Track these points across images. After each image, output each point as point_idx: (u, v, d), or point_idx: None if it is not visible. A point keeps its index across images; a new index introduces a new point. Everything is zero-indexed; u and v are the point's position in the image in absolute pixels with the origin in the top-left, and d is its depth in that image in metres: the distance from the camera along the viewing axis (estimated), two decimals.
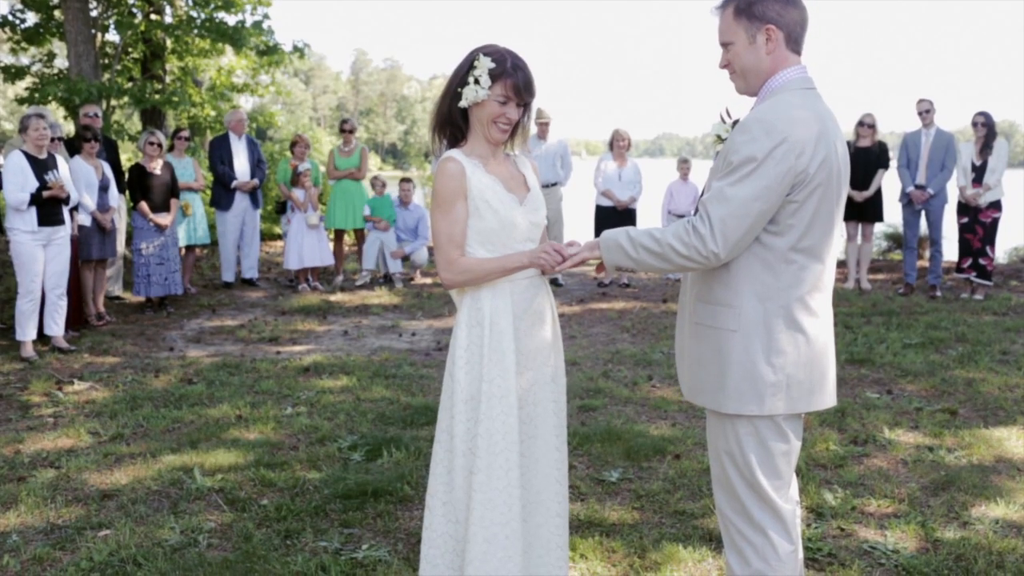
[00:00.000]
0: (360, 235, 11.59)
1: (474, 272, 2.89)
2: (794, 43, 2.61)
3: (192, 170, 10.43)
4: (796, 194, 2.48)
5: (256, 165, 10.92)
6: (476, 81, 2.86)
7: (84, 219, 8.52)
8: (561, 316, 9.13)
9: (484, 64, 2.87)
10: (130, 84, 13.88)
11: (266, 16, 14.52)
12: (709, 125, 2.85)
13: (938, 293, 10.28)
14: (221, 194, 10.70)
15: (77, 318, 8.37)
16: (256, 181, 10.82)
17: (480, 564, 2.86)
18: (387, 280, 11.39)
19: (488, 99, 2.87)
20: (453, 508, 2.96)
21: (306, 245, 10.77)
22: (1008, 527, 4.12)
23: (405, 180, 12.05)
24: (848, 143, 10.70)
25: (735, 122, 2.80)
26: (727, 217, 2.44)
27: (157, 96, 13.27)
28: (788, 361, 2.55)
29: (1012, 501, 4.39)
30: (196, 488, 4.59)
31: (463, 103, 2.90)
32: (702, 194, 2.70)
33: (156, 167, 9.27)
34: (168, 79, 15.15)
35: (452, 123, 2.97)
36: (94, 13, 13.20)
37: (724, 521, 2.71)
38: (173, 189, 9.45)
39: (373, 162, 65.56)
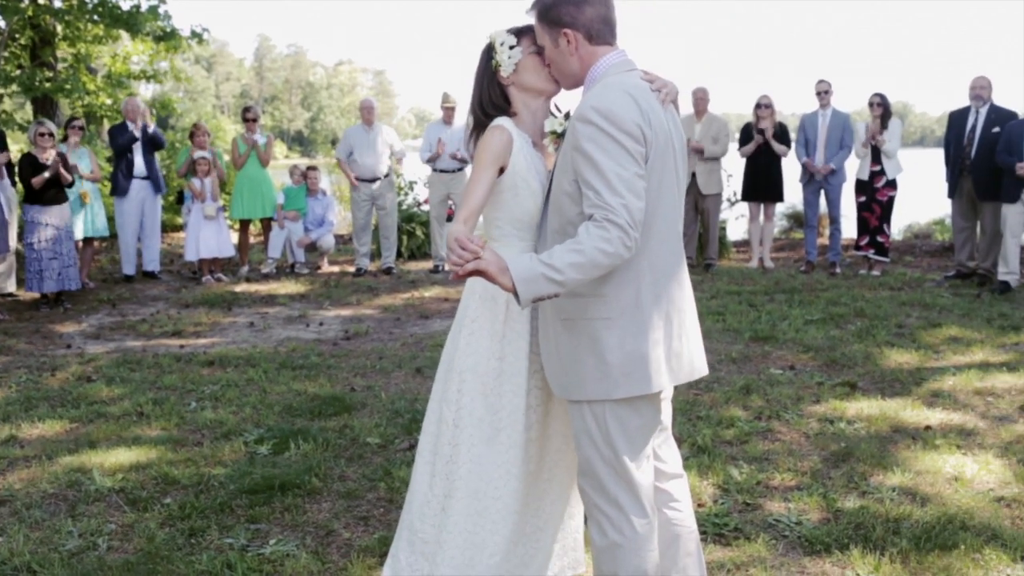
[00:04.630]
0: (266, 224, 11.38)
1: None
2: (598, 38, 2.63)
3: (88, 160, 10.09)
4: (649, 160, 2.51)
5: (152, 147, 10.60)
6: (509, 51, 2.88)
7: None
8: None
9: (500, 35, 2.91)
10: (19, 72, 13.34)
11: (162, 0, 14.12)
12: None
13: (838, 270, 10.58)
14: (119, 181, 10.38)
15: None
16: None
17: (470, 536, 2.91)
18: (293, 270, 11.21)
19: (524, 55, 2.88)
20: (432, 470, 3.00)
21: (203, 236, 10.53)
22: (904, 494, 4.26)
23: (311, 168, 11.87)
24: (748, 125, 11.02)
25: (567, 115, 2.84)
26: (629, 203, 2.40)
27: (48, 84, 12.81)
28: (665, 334, 2.59)
29: (908, 469, 4.54)
30: (95, 489, 4.44)
31: (505, 72, 2.88)
32: (548, 190, 2.72)
33: (48, 158, 8.92)
34: (60, 66, 14.60)
35: (496, 108, 2.94)
36: None
37: (583, 494, 2.75)
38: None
39: (279, 150, 64.46)
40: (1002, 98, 9.65)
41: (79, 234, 9.76)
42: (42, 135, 8.92)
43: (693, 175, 10.79)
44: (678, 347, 2.64)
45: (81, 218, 9.85)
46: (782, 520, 3.99)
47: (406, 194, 13.40)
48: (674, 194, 2.62)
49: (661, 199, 2.55)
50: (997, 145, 9.19)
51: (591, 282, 2.51)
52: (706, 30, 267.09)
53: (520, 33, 2.92)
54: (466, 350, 2.93)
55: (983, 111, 9.59)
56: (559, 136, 2.74)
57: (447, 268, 2.77)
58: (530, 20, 2.76)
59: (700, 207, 10.98)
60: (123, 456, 4.88)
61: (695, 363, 2.73)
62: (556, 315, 2.64)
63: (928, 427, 5.21)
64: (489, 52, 2.95)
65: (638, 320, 2.55)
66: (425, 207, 12.67)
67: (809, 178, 10.64)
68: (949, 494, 4.26)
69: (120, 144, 10.29)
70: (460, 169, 10.96)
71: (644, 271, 2.55)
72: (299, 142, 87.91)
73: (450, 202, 11.19)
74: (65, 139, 9.99)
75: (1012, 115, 9.43)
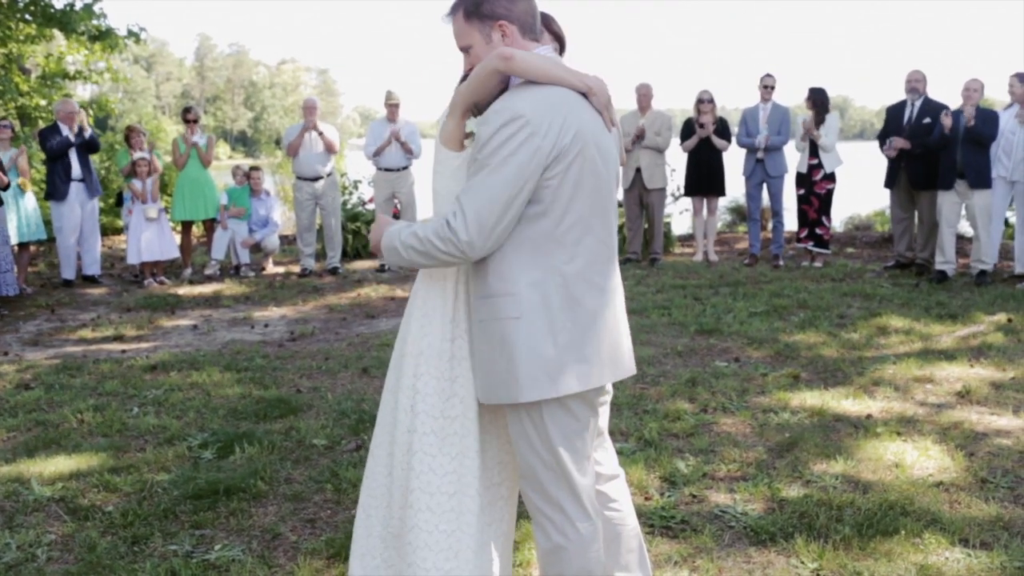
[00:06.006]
0: (209, 226, 11.22)
1: None
2: (529, 31, 2.64)
3: (13, 158, 9.83)
4: (551, 172, 2.48)
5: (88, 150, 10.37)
6: None
7: None
8: None
9: None
10: None
11: None
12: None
13: (781, 262, 10.73)
14: (56, 184, 10.13)
15: None
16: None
17: (424, 534, 2.77)
18: (237, 271, 11.07)
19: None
20: (391, 460, 2.86)
21: (145, 238, 10.35)
22: (847, 482, 4.33)
23: (254, 168, 11.71)
24: (690, 120, 11.13)
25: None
26: (480, 208, 2.43)
27: None
28: (574, 338, 2.55)
29: (850, 457, 4.62)
30: (34, 499, 4.34)
31: None
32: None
33: None
34: None
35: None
36: None
37: (525, 498, 2.73)
38: None
39: (222, 150, 63.64)
40: (937, 92, 9.86)
41: (14, 238, 9.53)
42: None
43: (638, 170, 10.87)
44: (592, 350, 2.58)
45: (14, 222, 9.61)
46: (728, 511, 4.03)
47: (350, 193, 13.29)
48: (593, 196, 2.57)
49: (577, 202, 2.53)
50: (931, 134, 9.41)
51: (500, 282, 2.53)
52: (650, 27, 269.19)
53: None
54: (419, 333, 2.83)
55: (918, 104, 9.79)
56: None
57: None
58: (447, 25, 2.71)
59: (645, 202, 11.07)
60: (63, 464, 4.78)
61: (609, 368, 2.65)
62: (473, 317, 2.64)
63: (869, 415, 5.30)
64: None
65: (546, 321, 2.52)
66: (370, 206, 12.58)
67: (752, 171, 10.77)
68: (890, 481, 4.34)
69: (52, 147, 10.04)
70: (405, 168, 10.91)
71: (552, 273, 2.52)
72: (242, 142, 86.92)
73: (395, 201, 11.13)
74: None
75: (944, 107, 9.64)
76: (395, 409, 2.87)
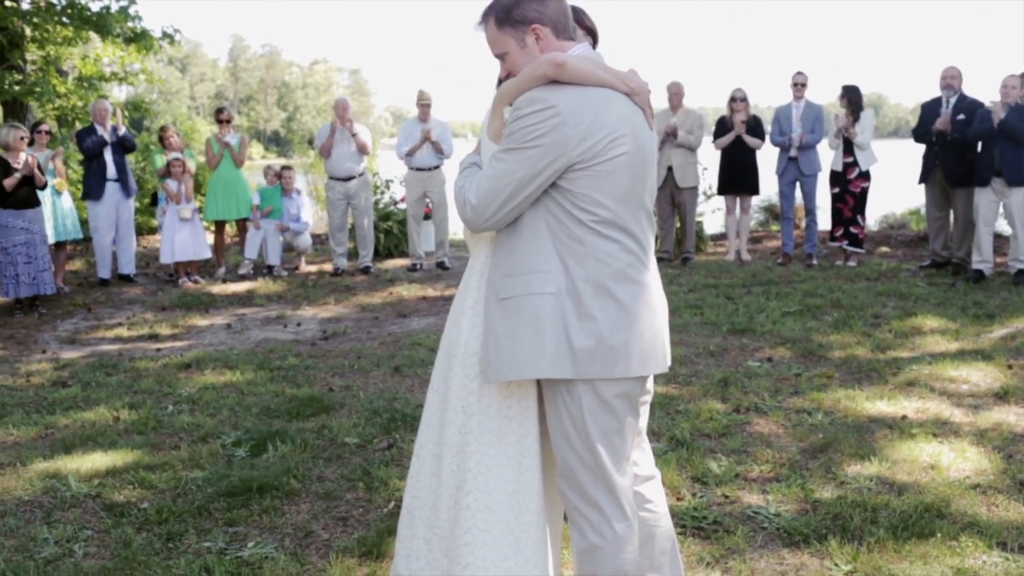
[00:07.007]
0: (242, 225, 11.31)
1: None
2: (564, 32, 2.65)
3: (55, 164, 9.96)
4: (587, 166, 2.49)
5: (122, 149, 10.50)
6: None
7: None
8: None
9: None
10: None
11: (132, 1, 13.99)
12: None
13: (814, 262, 10.64)
14: (92, 184, 10.26)
15: None
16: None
17: (481, 533, 2.71)
18: (270, 271, 11.14)
19: None
20: (439, 462, 2.81)
21: (179, 238, 10.45)
22: (881, 484, 4.28)
23: (286, 168, 11.79)
24: (723, 118, 11.06)
25: None
26: (494, 182, 2.50)
27: (17, 88, 12.65)
28: (602, 327, 2.53)
29: (885, 459, 4.57)
30: (71, 495, 4.40)
31: None
32: None
33: (19, 161, 8.82)
34: (29, 69, 14.44)
35: None
36: None
37: (563, 496, 2.71)
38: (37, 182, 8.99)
39: (255, 151, 64.14)
40: (973, 88, 9.73)
41: (51, 238, 9.65)
42: (21, 139, 8.84)
43: (670, 169, 10.82)
44: (619, 341, 2.54)
45: (51, 222, 9.74)
46: (761, 512, 4.00)
47: (382, 193, 13.35)
48: (630, 193, 2.57)
49: (614, 196, 2.52)
50: (968, 130, 9.28)
51: (536, 259, 2.55)
52: (681, 25, 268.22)
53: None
54: (472, 332, 2.76)
55: (953, 100, 9.66)
56: None
57: None
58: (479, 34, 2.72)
59: (677, 201, 11.01)
60: (99, 461, 4.83)
61: (637, 361, 2.60)
62: (495, 298, 2.62)
63: (904, 416, 5.24)
64: None
65: (575, 303, 2.52)
66: (402, 205, 12.61)
67: (785, 170, 10.69)
68: (926, 482, 4.29)
69: (88, 147, 10.18)
70: (437, 167, 10.94)
71: (587, 261, 2.52)
72: (275, 142, 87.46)
73: (427, 200, 11.16)
74: (31, 143, 9.86)
75: (979, 104, 9.50)
76: (443, 410, 2.81)
